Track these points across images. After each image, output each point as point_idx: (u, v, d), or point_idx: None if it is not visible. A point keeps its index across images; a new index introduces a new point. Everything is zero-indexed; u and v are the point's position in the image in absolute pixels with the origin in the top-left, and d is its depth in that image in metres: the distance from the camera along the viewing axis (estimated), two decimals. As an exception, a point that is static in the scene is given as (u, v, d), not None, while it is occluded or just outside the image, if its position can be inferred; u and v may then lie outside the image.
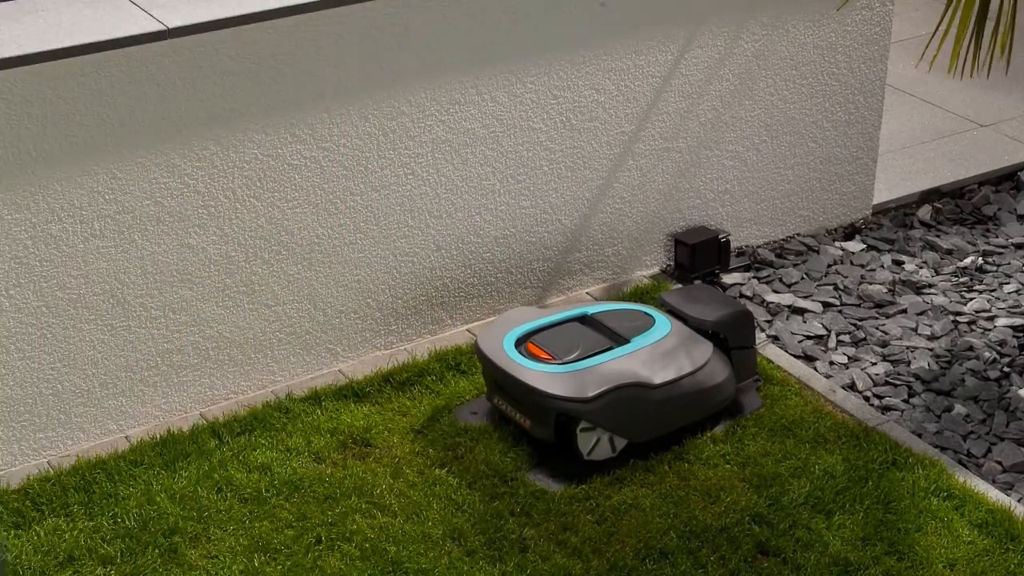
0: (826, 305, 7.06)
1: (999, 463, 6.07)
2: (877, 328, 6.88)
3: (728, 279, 7.23)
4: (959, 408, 6.34)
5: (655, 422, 5.97)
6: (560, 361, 5.92)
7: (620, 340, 6.06)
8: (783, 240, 7.61)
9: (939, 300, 7.07)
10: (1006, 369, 6.57)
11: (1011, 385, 6.48)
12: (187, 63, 5.78)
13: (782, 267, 7.37)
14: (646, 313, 6.23)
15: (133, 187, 5.86)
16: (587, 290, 7.17)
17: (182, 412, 6.32)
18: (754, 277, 7.27)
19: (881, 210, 7.87)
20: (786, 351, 6.72)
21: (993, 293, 7.14)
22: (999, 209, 7.86)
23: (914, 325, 6.90)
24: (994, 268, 7.35)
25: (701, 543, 5.54)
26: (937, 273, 7.33)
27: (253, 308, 6.30)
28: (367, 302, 6.56)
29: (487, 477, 5.85)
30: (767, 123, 7.30)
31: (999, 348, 6.72)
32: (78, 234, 5.82)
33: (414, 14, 6.19)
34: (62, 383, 6.00)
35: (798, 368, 6.57)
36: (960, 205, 7.92)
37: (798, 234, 7.65)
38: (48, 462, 6.06)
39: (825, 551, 5.51)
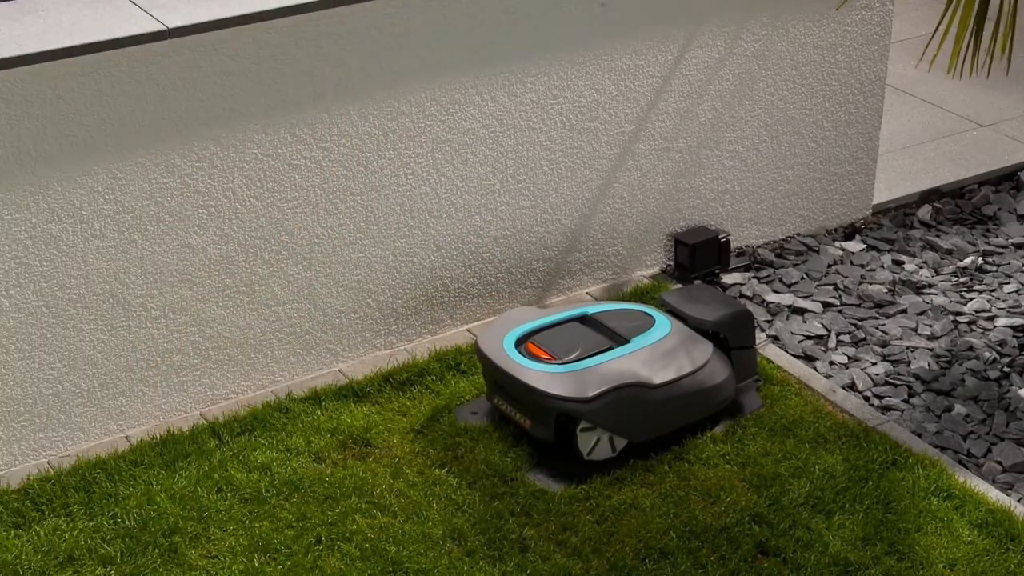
0: (826, 305, 7.06)
1: (999, 463, 6.07)
2: (877, 328, 6.88)
3: (728, 279, 7.23)
4: (959, 408, 6.33)
5: (655, 422, 5.97)
6: (560, 361, 5.92)
7: (620, 340, 6.06)
8: (783, 240, 7.61)
9: (939, 300, 7.06)
10: (1006, 369, 6.57)
11: (1011, 385, 6.48)
12: (187, 63, 5.78)
13: (782, 267, 7.36)
14: (646, 313, 6.23)
15: (133, 187, 5.86)
16: (587, 290, 7.17)
17: (182, 412, 6.32)
18: (754, 277, 7.27)
19: (881, 210, 7.87)
20: (786, 351, 6.71)
21: (993, 293, 7.14)
22: (999, 209, 7.86)
23: (914, 325, 6.89)
24: (994, 268, 7.34)
25: (701, 543, 5.54)
26: (937, 273, 7.33)
27: (253, 308, 6.30)
28: (367, 302, 6.56)
29: (487, 477, 5.84)
30: (767, 123, 7.30)
31: (999, 348, 6.71)
32: (78, 234, 5.81)
33: (414, 14, 6.19)
34: (62, 383, 6.00)
35: (798, 368, 6.57)
36: (960, 205, 7.92)
37: (798, 234, 7.65)
38: (48, 462, 6.05)
39: (825, 551, 5.50)
